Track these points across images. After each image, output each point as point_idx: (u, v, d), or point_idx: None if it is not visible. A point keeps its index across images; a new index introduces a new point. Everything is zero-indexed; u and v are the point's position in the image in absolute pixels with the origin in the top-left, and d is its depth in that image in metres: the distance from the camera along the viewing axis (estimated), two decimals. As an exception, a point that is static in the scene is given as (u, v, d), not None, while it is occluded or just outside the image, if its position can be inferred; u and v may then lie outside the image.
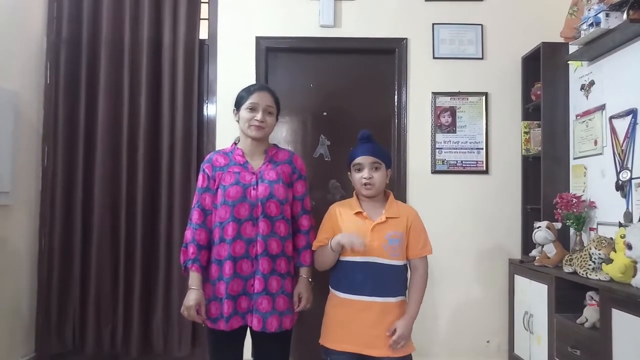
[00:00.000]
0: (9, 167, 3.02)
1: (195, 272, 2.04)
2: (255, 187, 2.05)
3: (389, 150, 3.34)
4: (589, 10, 2.70)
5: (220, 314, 2.01)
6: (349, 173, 2.10)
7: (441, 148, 3.43)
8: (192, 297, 2.01)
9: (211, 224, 2.08)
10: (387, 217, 2.00)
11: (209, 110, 3.46)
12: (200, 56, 3.40)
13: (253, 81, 3.32)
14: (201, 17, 3.44)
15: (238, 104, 2.13)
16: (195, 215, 2.08)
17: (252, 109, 2.08)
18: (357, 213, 2.02)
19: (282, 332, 2.05)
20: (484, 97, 3.43)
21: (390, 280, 1.97)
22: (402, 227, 2.00)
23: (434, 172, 3.42)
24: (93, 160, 3.30)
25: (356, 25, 3.44)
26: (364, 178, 2.01)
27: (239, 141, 2.19)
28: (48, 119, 3.33)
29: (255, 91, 2.11)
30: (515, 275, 3.22)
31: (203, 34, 3.46)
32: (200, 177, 2.13)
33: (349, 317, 1.97)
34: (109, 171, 3.29)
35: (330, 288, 2.07)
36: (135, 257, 3.26)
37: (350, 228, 1.99)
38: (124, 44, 3.33)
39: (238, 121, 2.14)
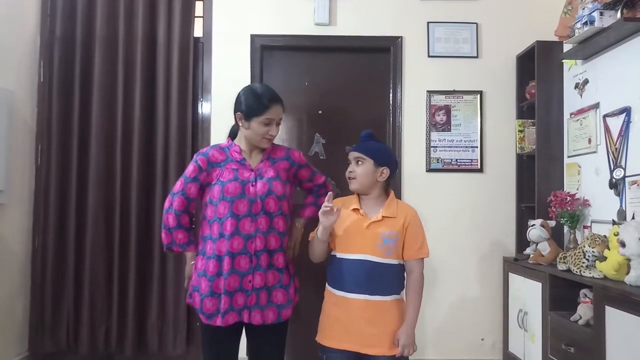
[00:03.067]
0: (3, 165, 3.00)
1: (193, 252, 2.14)
2: (254, 183, 2.06)
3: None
4: (583, 9, 2.71)
5: (217, 309, 2.00)
6: None
7: (436, 146, 3.43)
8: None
9: (192, 209, 2.13)
10: (383, 216, 2.01)
11: (204, 108, 3.45)
12: (195, 54, 3.39)
13: (248, 79, 3.33)
14: (196, 14, 3.43)
15: (249, 114, 2.06)
16: (177, 203, 2.08)
17: (267, 124, 2.06)
18: (354, 209, 2.04)
19: (279, 325, 2.09)
20: (478, 96, 3.44)
21: (385, 279, 1.98)
22: (399, 226, 2.00)
23: (429, 170, 3.42)
24: (87, 159, 3.28)
25: (351, 23, 3.44)
26: (348, 172, 2.08)
27: (233, 137, 2.19)
28: (42, 117, 3.31)
29: (271, 106, 2.05)
30: (509, 273, 3.22)
31: (198, 31, 3.45)
32: (191, 166, 2.11)
33: (344, 315, 1.97)
34: (103, 169, 3.28)
35: (327, 285, 2.08)
36: (130, 255, 3.25)
37: (345, 224, 2.02)
38: (118, 42, 3.32)
39: (246, 128, 2.08)
